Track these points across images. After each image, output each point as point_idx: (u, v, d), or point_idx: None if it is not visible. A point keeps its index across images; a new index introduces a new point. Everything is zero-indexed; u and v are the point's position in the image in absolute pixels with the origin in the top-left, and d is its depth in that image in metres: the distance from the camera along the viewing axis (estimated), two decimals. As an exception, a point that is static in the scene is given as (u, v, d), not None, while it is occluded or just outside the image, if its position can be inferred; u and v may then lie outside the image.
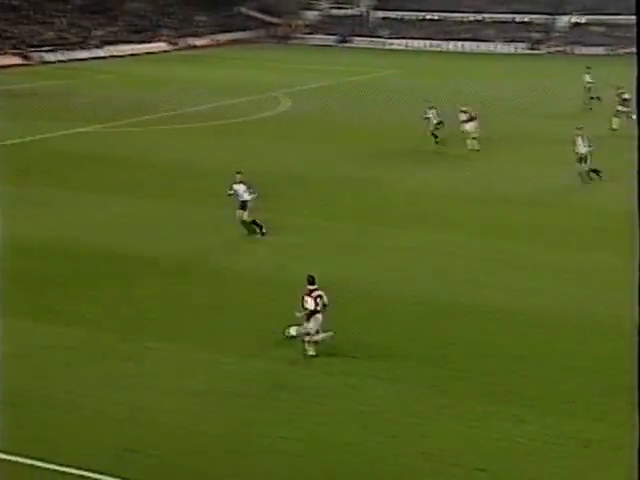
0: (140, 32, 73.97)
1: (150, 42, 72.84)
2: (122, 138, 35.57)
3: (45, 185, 27.35)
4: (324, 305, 15.20)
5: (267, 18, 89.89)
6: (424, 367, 15.08)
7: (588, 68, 42.43)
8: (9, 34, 62.61)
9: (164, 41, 74.27)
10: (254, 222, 22.05)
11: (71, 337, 16.15)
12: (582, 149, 27.57)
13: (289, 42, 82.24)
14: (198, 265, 20.36)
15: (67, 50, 64.70)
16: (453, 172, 29.95)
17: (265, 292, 18.56)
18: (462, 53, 75.10)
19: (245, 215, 21.96)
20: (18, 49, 61.25)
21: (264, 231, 22.05)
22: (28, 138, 34.35)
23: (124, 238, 22.22)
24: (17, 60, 60.13)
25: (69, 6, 71.63)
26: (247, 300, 18.18)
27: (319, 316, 15.14)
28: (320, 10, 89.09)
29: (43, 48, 63.03)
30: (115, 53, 67.81)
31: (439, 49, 76.73)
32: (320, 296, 15.16)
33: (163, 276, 19.61)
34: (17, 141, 33.87)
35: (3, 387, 14.09)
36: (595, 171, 27.71)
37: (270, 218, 23.00)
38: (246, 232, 22.14)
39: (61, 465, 11.91)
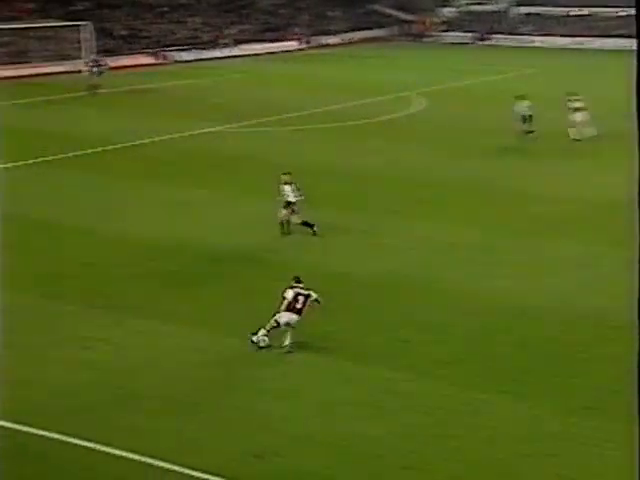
0: (272, 30, 75.33)
1: (282, 40, 74.09)
2: (251, 138, 36.34)
3: (175, 185, 28.20)
4: (313, 300, 15.94)
5: (401, 15, 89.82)
6: (555, 384, 14.68)
7: None
8: (144, 34, 64.99)
9: (296, 39, 75.38)
10: (305, 223, 22.50)
11: (199, 339, 16.56)
12: None
13: (424, 40, 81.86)
14: (333, 270, 20.54)
15: (200, 49, 66.63)
16: (579, 173, 29.21)
17: (398, 299, 18.54)
18: (613, 51, 72.74)
19: (286, 215, 22.47)
20: (152, 48, 63.52)
21: (315, 229, 22.43)
22: (160, 137, 35.55)
23: (253, 239, 22.66)
24: (151, 60, 62.40)
25: (203, 5, 73.73)
26: (383, 304, 18.20)
27: (294, 316, 15.74)
28: (457, 6, 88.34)
29: (176, 47, 65.14)
30: (247, 52, 69.31)
31: (586, 47, 74.60)
32: (304, 295, 15.86)
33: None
34: (149, 140, 35.10)
35: (132, 389, 14.62)
36: None
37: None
38: (281, 232, 22.51)
39: (185, 468, 12.20)
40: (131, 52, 62.24)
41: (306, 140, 35.84)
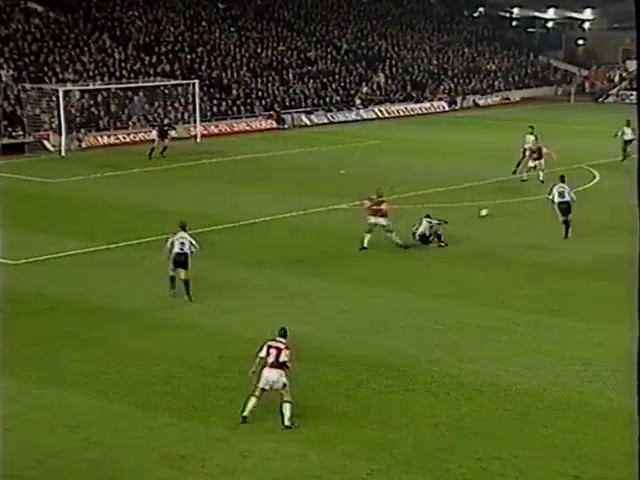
0: (415, 88, 76.36)
1: (424, 101, 75.08)
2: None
3: (291, 273, 28.56)
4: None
5: (574, 70, 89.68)
6: None
7: None
8: (261, 93, 66.88)
9: (441, 99, 76.20)
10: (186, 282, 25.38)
11: (320, 462, 16.72)
12: None
13: (604, 100, 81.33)
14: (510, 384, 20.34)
15: (328, 111, 68.03)
16: None
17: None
18: None
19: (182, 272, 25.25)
20: (271, 110, 65.20)
21: (190, 296, 25.29)
22: (273, 216, 36.16)
23: (392, 342, 22.70)
24: (270, 123, 64.09)
25: (332, 59, 75.46)
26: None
27: (273, 372, 17.61)
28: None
29: (300, 109, 66.72)
30: (382, 114, 70.49)
31: None
32: (277, 348, 17.72)
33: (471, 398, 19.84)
34: (261, 220, 35.77)
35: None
36: None
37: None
38: (170, 289, 25.48)
39: None
40: (248, 115, 64.06)
41: (454, 219, 35.72)
